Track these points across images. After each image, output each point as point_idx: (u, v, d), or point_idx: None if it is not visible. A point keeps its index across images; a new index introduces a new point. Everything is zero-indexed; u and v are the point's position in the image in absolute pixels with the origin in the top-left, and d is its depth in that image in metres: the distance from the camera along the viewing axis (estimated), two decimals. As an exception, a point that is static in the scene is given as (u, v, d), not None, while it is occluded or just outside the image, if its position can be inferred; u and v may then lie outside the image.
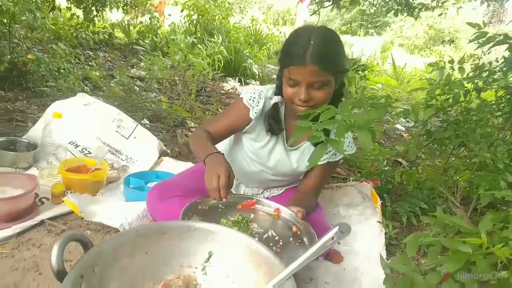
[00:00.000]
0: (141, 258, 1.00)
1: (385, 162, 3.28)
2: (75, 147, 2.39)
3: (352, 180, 2.70)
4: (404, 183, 2.68)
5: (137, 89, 4.20)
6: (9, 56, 3.24)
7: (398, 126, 5.13)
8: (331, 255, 1.83)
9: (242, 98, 1.62)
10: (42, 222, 1.74)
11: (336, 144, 1.35)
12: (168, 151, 2.71)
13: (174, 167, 2.46)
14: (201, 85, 4.81)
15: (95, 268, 0.89)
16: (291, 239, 1.37)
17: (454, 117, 2.30)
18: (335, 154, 1.75)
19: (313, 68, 1.36)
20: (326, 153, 1.70)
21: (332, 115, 1.37)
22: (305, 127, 1.35)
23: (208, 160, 1.42)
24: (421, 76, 8.74)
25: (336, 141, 1.37)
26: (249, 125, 1.64)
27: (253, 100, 1.61)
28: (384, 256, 1.97)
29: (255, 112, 1.61)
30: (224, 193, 1.33)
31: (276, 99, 1.63)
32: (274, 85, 1.65)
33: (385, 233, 2.08)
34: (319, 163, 1.74)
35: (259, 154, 1.72)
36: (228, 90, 5.27)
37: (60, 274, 0.81)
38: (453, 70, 2.15)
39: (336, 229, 0.95)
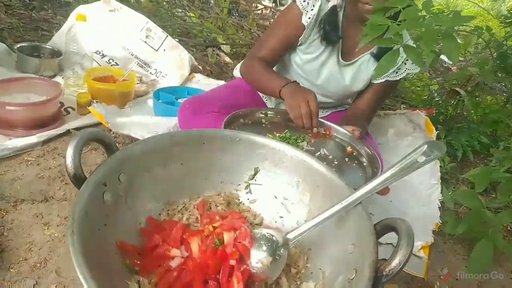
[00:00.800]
0: (176, 169, 0.84)
1: (436, 93, 2.98)
2: (102, 57, 2.21)
3: (403, 108, 2.43)
4: (465, 114, 2.39)
5: (167, 3, 3.87)
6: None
7: (444, 58, 4.66)
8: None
9: (295, 0, 1.35)
10: (67, 132, 1.63)
11: (414, 54, 1.08)
12: (200, 67, 2.48)
13: (206, 84, 2.26)
14: (233, 5, 4.41)
15: (121, 176, 0.72)
16: (346, 159, 1.18)
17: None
18: (396, 72, 1.49)
19: None
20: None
21: (415, 15, 1.09)
22: (378, 27, 1.08)
23: (288, 90, 1.28)
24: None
25: (413, 50, 1.10)
26: (302, 35, 1.38)
27: (307, 3, 1.32)
28: (439, 190, 1.78)
29: (309, 18, 1.33)
30: (316, 121, 1.21)
31: (334, 1, 1.35)
32: None
33: (440, 167, 1.87)
34: (377, 80, 1.49)
35: (308, 69, 1.48)
36: (262, 11, 4.83)
37: (78, 180, 0.65)
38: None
39: (425, 147, 0.73)
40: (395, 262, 0.58)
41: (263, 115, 1.36)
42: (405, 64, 1.47)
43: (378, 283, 0.59)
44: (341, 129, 1.28)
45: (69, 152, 0.64)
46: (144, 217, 0.77)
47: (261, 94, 1.65)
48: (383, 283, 0.59)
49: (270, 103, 1.67)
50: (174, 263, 0.67)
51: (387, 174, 0.73)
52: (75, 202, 0.60)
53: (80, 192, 0.62)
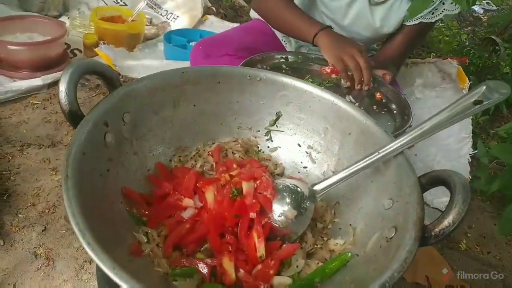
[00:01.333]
0: (188, 111, 0.74)
1: (467, 42, 2.75)
2: (109, -4, 2.05)
3: (433, 56, 2.24)
4: (501, 64, 2.19)
5: None
6: None
7: (475, 8, 4.31)
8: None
9: None
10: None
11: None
12: (213, 8, 2.30)
13: (220, 27, 2.10)
14: None
15: (125, 115, 0.63)
16: (374, 106, 1.06)
17: None
18: (432, 13, 1.31)
19: None
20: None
21: None
22: None
23: (326, 37, 1.13)
24: None
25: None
26: None
27: None
28: (469, 145, 1.66)
29: None
30: (368, 77, 1.08)
31: None
32: None
33: (472, 119, 1.74)
34: (410, 22, 1.32)
35: (335, 6, 1.31)
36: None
37: (74, 118, 0.55)
38: None
39: (483, 89, 0.61)
40: (448, 221, 0.49)
41: (283, 60, 1.23)
42: (443, 4, 1.28)
43: (425, 245, 0.50)
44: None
45: (63, 85, 0.55)
46: (152, 164, 0.69)
47: (279, 36, 1.50)
48: (433, 244, 0.50)
49: (289, 46, 1.52)
50: (186, 214, 0.59)
51: (434, 121, 0.62)
52: (71, 143, 0.51)
53: (77, 131, 0.53)
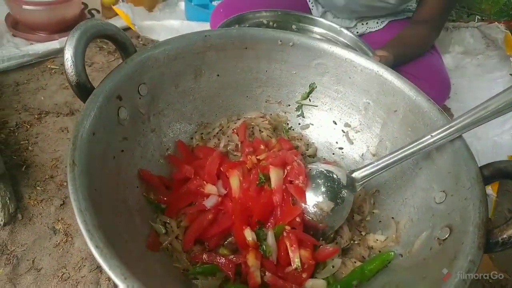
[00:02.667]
0: (210, 82, 0.65)
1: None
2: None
3: (477, 20, 2.02)
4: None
5: None
6: None
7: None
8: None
9: None
10: (93, 38, 1.45)
11: None
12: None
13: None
14: None
15: (141, 87, 0.56)
16: None
17: None
18: None
19: None
20: None
21: None
22: None
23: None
24: None
25: None
26: None
27: None
28: (516, 120, 1.51)
29: None
30: None
31: None
32: None
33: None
34: None
35: None
36: None
37: (82, 91, 0.48)
38: None
39: None
40: (522, 227, 0.40)
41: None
42: None
43: (488, 252, 0.42)
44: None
45: (68, 52, 0.47)
46: (172, 142, 0.62)
47: (309, 1, 1.36)
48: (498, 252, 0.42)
49: (315, 11, 1.37)
50: (209, 203, 0.53)
51: (503, 99, 0.51)
52: (78, 122, 0.45)
53: (85, 108, 0.46)
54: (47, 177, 0.96)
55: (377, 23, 1.32)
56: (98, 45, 1.44)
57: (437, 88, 1.14)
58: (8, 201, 0.86)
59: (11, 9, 1.37)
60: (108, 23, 0.52)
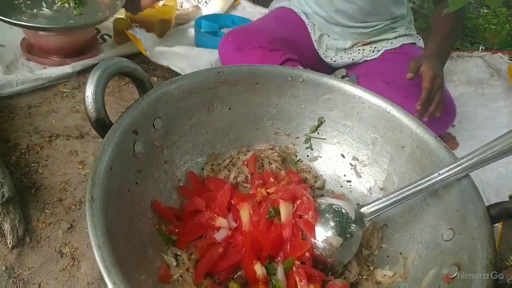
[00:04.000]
0: (222, 115, 0.68)
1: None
2: (139, -22, 1.98)
3: (481, 50, 2.06)
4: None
5: None
6: None
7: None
8: (445, 139, 1.41)
9: None
10: (103, 62, 1.48)
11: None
12: (247, -7, 2.20)
13: (253, 13, 2.01)
14: None
15: (156, 121, 0.58)
16: None
17: None
18: None
19: None
20: None
21: None
22: None
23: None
24: None
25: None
26: None
27: None
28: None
29: None
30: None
31: None
32: None
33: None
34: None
35: None
36: None
37: (101, 126, 0.50)
38: None
39: None
40: (532, 272, 0.41)
41: None
42: None
43: (498, 294, 0.43)
44: None
45: (89, 90, 0.49)
46: (183, 173, 0.64)
47: (306, 22, 1.39)
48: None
49: (313, 35, 1.40)
50: (219, 236, 0.54)
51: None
52: (96, 157, 0.46)
53: (103, 144, 0.48)
54: (55, 200, 0.98)
55: (373, 51, 1.33)
56: (109, 69, 1.48)
57: (444, 112, 1.15)
58: (17, 224, 0.87)
59: (26, 34, 1.42)
60: (127, 61, 0.54)
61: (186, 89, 0.61)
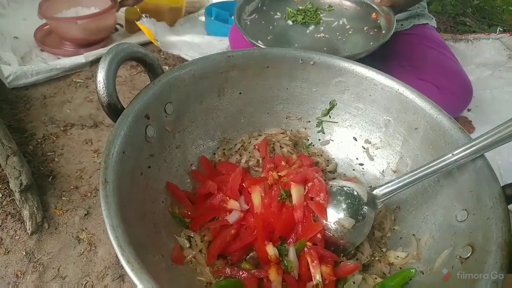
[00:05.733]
0: (233, 100, 0.68)
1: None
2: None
3: (499, 31, 2.00)
4: None
5: None
6: None
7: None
8: (461, 124, 1.38)
9: None
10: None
11: None
12: (257, -21, 2.17)
13: (264, -1, 1.98)
14: None
15: (167, 106, 0.58)
16: (365, 28, 1.05)
17: None
18: None
19: None
20: None
21: None
22: None
23: None
24: None
25: None
26: None
27: None
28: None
29: None
30: None
31: None
32: None
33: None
34: None
35: None
36: None
37: (113, 111, 0.51)
38: None
39: None
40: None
41: None
42: None
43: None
44: None
45: (101, 74, 0.50)
46: (195, 158, 0.64)
47: None
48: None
49: None
50: (231, 218, 0.54)
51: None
52: (109, 141, 0.47)
53: (116, 128, 0.49)
54: (72, 187, 1.00)
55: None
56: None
57: (460, 94, 1.13)
58: (35, 210, 0.89)
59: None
60: (137, 46, 0.54)
61: (197, 74, 0.61)
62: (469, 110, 1.43)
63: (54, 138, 1.13)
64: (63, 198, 0.97)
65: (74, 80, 1.37)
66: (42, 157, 1.07)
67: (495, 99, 1.57)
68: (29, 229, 0.87)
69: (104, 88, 0.50)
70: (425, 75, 1.10)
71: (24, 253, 0.84)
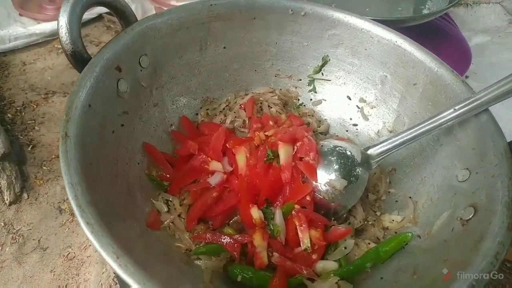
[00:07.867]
0: (217, 55, 0.62)
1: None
2: None
3: (502, -6, 1.91)
4: None
5: None
6: None
7: None
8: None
9: None
10: (100, 17, 1.42)
11: None
12: None
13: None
14: None
15: (142, 58, 0.52)
16: None
17: None
18: None
19: None
20: None
21: None
22: None
23: None
24: None
25: None
26: None
27: None
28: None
29: None
30: None
31: None
32: None
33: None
34: None
35: None
36: None
37: (78, 59, 0.45)
38: None
39: None
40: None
41: None
42: None
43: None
44: None
45: (63, 19, 0.44)
46: (176, 118, 0.59)
47: None
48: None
49: None
50: (213, 180, 0.50)
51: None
52: (72, 92, 0.42)
53: (80, 78, 0.43)
54: (53, 156, 0.95)
55: None
56: (105, 24, 1.41)
57: (458, 58, 1.09)
58: (13, 180, 0.85)
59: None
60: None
61: (175, 24, 0.55)
62: (467, 77, 1.38)
63: (35, 106, 1.07)
64: (44, 167, 0.92)
65: (56, 46, 1.30)
66: (22, 126, 1.01)
67: (494, 65, 1.52)
68: (7, 200, 0.83)
69: (67, 34, 0.44)
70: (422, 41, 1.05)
71: (2, 224, 0.80)
